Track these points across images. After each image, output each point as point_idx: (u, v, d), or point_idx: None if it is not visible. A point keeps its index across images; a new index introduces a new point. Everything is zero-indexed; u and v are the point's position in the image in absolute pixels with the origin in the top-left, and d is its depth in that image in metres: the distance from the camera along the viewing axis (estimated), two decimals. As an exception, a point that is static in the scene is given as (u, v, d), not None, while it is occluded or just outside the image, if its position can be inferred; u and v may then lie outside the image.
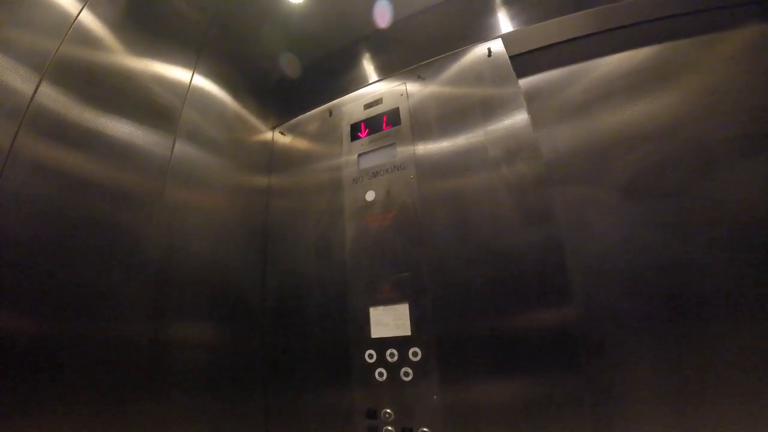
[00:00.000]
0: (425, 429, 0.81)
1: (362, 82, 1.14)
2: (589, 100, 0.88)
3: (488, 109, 0.90)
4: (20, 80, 0.63)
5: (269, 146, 1.20)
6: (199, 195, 0.96)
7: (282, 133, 1.20)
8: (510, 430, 0.76)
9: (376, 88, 1.08)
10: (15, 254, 0.58)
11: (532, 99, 0.92)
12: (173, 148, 0.90)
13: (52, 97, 0.66)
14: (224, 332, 0.95)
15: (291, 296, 1.00)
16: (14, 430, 0.56)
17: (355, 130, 1.05)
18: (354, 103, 1.09)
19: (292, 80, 1.29)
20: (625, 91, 0.86)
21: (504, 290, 0.79)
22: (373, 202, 0.94)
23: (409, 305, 0.84)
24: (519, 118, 0.86)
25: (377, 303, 0.87)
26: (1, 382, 0.55)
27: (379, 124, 1.02)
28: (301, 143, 1.15)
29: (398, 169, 0.94)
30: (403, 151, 0.96)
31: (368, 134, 1.02)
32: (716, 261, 0.74)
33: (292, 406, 0.95)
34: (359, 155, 1.01)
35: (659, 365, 0.73)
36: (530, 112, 0.88)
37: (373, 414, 0.85)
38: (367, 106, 1.06)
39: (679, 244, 0.76)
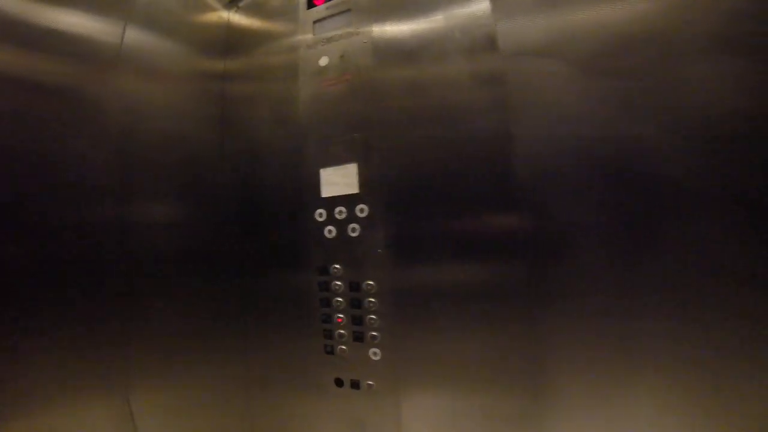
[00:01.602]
0: (370, 282, 0.85)
1: (322, -51, 1.07)
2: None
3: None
4: None
5: (225, 25, 1.14)
6: (154, 80, 0.93)
7: (237, 10, 1.13)
8: (448, 276, 0.80)
9: (335, -46, 1.02)
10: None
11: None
12: (124, 34, 0.87)
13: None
14: (189, 211, 0.96)
15: (250, 169, 1.00)
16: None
17: (310, -4, 1.00)
18: (312, -31, 1.03)
19: (250, -47, 1.20)
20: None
21: (451, 149, 0.80)
22: (326, 67, 0.92)
23: (358, 164, 0.85)
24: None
25: (328, 164, 0.88)
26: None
27: (336, -10, 0.97)
28: (258, 20, 1.10)
29: (352, 35, 0.91)
30: (358, 16, 0.93)
31: (325, 1, 0.98)
32: (672, 146, 0.74)
33: (261, 278, 0.98)
34: (314, 22, 0.97)
35: (605, 251, 0.76)
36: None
37: (324, 270, 0.89)
38: (326, -28, 1.01)
39: (633, 123, 0.76)
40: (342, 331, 0.88)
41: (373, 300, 0.85)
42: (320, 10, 0.98)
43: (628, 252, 0.74)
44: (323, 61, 0.93)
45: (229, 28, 1.12)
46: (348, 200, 0.86)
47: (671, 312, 0.73)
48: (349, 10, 0.94)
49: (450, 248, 0.80)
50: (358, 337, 0.87)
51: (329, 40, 0.94)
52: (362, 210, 0.84)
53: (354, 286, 0.86)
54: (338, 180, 0.86)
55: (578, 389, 0.80)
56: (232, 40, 1.11)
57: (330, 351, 0.90)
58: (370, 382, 0.88)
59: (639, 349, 0.77)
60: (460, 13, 0.84)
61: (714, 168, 0.71)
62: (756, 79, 0.73)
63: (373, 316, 0.85)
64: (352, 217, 0.85)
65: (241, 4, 1.13)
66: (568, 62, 0.79)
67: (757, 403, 0.75)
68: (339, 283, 0.87)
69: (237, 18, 1.12)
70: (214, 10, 1.14)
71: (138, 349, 0.86)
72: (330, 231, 0.87)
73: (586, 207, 0.75)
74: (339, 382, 0.90)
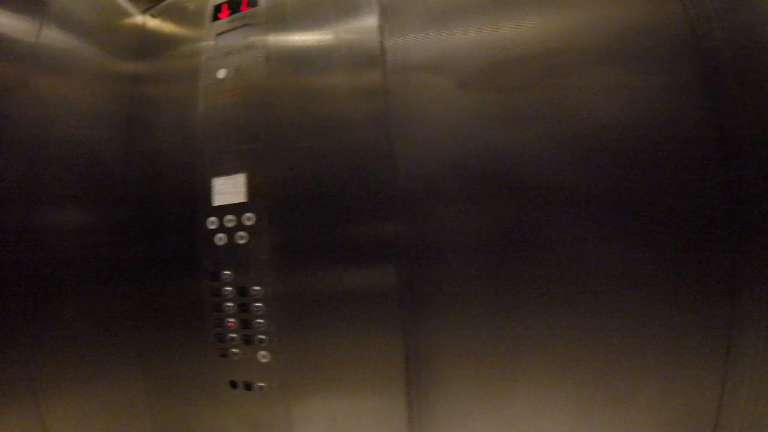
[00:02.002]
0: (257, 287, 0.89)
1: (230, -37, 1.10)
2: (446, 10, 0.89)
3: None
4: None
5: (139, 30, 1.16)
6: (67, 81, 0.94)
7: (153, 16, 1.16)
8: (330, 281, 0.84)
9: (241, -31, 1.05)
10: None
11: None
12: (39, 33, 0.88)
13: None
14: (95, 216, 0.97)
15: (152, 174, 1.02)
16: None
17: (216, 11, 1.03)
18: (219, -17, 1.06)
19: (167, -38, 1.23)
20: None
21: (333, 160, 0.84)
22: (223, 79, 0.95)
23: (246, 174, 0.89)
24: None
25: (220, 173, 0.91)
26: None
27: (239, 6, 1.00)
28: (170, 27, 1.12)
29: (250, 49, 0.95)
30: (257, 30, 0.96)
31: (229, 15, 1.01)
32: (550, 155, 0.78)
33: (161, 284, 1.00)
34: (217, 35, 1.00)
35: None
36: None
37: (215, 276, 0.92)
38: (232, -14, 1.04)
39: (514, 135, 0.80)
40: (233, 335, 0.91)
41: (259, 304, 0.88)
42: (223, 23, 1.01)
43: (508, 258, 0.79)
44: (221, 73, 0.96)
45: (144, 33, 1.14)
46: (237, 209, 0.89)
47: (553, 314, 0.78)
48: (248, 25, 0.97)
49: (332, 255, 0.84)
50: (248, 341, 0.90)
51: (229, 52, 0.97)
52: (249, 218, 0.88)
53: (242, 292, 0.89)
54: (228, 189, 0.89)
55: (459, 391, 0.85)
56: (145, 44, 1.13)
57: (223, 354, 0.93)
58: (261, 384, 0.91)
59: (521, 350, 0.81)
60: (349, 28, 0.89)
61: (591, 175, 0.76)
62: (629, 91, 0.78)
63: (261, 320, 0.89)
64: (240, 225, 0.88)
65: (154, 11, 1.15)
66: (453, 78, 0.84)
67: (640, 398, 0.80)
68: (229, 288, 0.90)
69: (152, 23, 1.14)
70: (130, 14, 1.16)
71: (47, 355, 0.87)
72: (220, 238, 0.90)
73: (466, 215, 0.79)
74: (233, 385, 0.93)
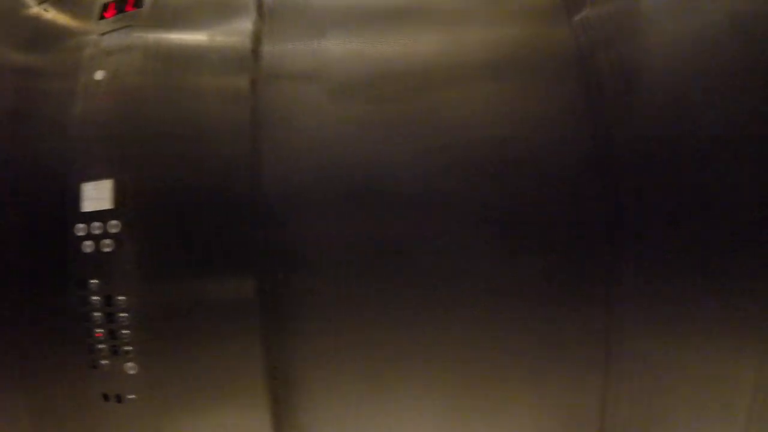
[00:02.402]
0: (122, 297, 0.86)
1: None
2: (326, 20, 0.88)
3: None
4: None
5: (34, 22, 1.12)
6: None
7: (46, 10, 1.12)
8: (193, 291, 0.82)
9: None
10: None
11: None
12: None
13: None
14: None
15: (32, 176, 0.98)
16: None
17: (103, 9, 1.00)
18: (109, -19, 1.03)
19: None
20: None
21: (200, 166, 0.82)
22: (101, 81, 0.92)
23: (114, 181, 0.86)
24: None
25: (89, 179, 0.88)
26: None
27: (125, 6, 0.97)
28: (62, 20, 1.08)
29: (129, 50, 0.92)
30: (138, 32, 0.93)
31: (114, 15, 0.98)
32: (418, 169, 0.77)
33: (40, 293, 0.96)
34: (101, 34, 0.97)
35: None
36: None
37: (82, 285, 0.89)
38: (121, -15, 1.01)
39: (387, 147, 0.79)
40: (101, 346, 0.88)
41: (125, 314, 0.85)
42: (108, 23, 0.98)
43: (375, 269, 0.77)
44: (99, 75, 0.93)
45: (37, 24, 1.10)
46: (103, 215, 0.86)
47: (424, 324, 0.77)
48: (130, 26, 0.94)
49: (195, 265, 0.81)
50: (115, 352, 0.87)
51: (110, 53, 0.94)
52: (115, 226, 0.85)
53: (108, 301, 0.86)
54: (97, 195, 0.86)
55: (329, 405, 0.83)
56: (37, 37, 1.09)
57: (94, 366, 0.89)
58: (131, 396, 0.88)
59: (392, 362, 0.80)
60: (224, 31, 0.87)
61: (463, 187, 0.75)
62: (510, 105, 0.78)
63: (127, 331, 0.86)
64: (106, 233, 0.85)
65: (48, 3, 1.11)
66: (327, 89, 0.82)
67: (520, 407, 0.80)
68: (96, 297, 0.87)
69: (47, 15, 1.10)
70: (27, 5, 1.12)
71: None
72: (88, 246, 0.87)
73: (332, 226, 0.78)
74: (105, 397, 0.90)
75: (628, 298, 0.68)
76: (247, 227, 0.77)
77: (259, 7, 0.86)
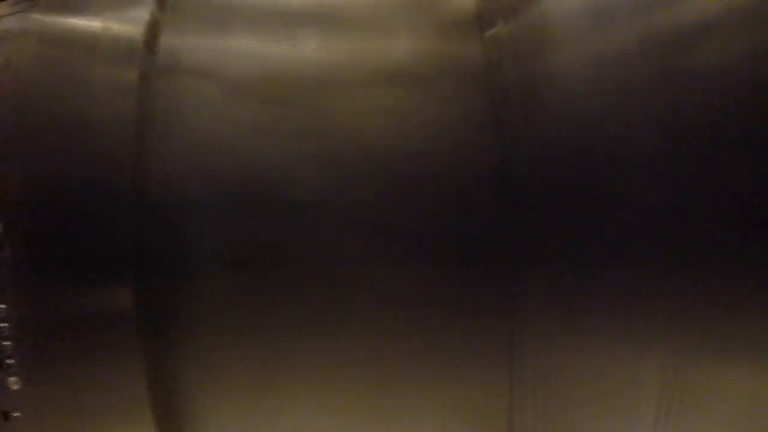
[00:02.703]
0: (1, 305, 0.79)
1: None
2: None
3: None
4: None
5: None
6: None
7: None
8: (70, 296, 0.76)
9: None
10: None
11: None
12: None
13: None
14: None
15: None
16: None
17: (1, -9, 0.93)
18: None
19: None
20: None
21: (80, 163, 0.76)
22: (-5, 69, 0.85)
23: None
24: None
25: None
26: None
27: (23, -13, 0.90)
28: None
29: (23, 36, 0.85)
30: (35, 16, 0.86)
31: (14, -3, 0.91)
32: (308, 175, 0.73)
33: None
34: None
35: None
36: None
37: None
38: (22, -34, 0.94)
39: (277, 150, 0.74)
40: (-17, 358, 0.81)
41: (4, 324, 0.78)
42: (7, 5, 0.91)
43: (261, 277, 0.72)
44: (-8, 63, 0.85)
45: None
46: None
47: (317, 333, 0.73)
48: (27, 10, 0.87)
49: (73, 272, 0.75)
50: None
51: (5, 39, 0.87)
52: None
53: (-13, 310, 0.79)
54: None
55: (221, 421, 0.77)
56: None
57: (-21, 378, 0.83)
58: (16, 414, 0.81)
59: (286, 373, 0.75)
60: (119, 18, 0.80)
61: (355, 195, 0.71)
62: (409, 115, 0.74)
63: (7, 342, 0.79)
64: (-6, 244, 0.78)
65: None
66: (224, 87, 0.76)
67: (425, 413, 0.76)
68: (-17, 316, 0.80)
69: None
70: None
71: None
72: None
73: (217, 231, 0.72)
74: (-8, 412, 0.83)
75: (527, 308, 0.68)
76: (127, 233, 0.70)
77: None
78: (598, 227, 0.62)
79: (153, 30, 0.78)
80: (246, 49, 0.76)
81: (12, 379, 0.80)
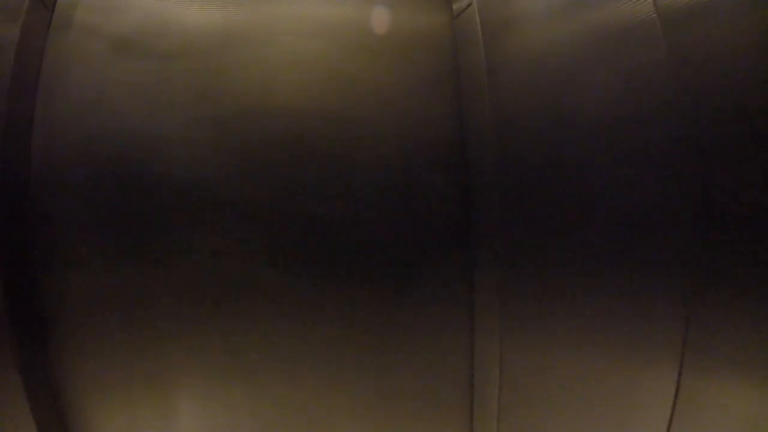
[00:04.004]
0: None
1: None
2: None
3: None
4: None
5: None
6: None
7: None
8: None
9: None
10: None
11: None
12: None
13: None
14: None
15: None
16: None
17: None
18: None
19: None
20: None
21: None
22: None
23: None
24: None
25: None
26: None
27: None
28: None
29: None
30: None
31: None
32: (191, 144, 0.68)
33: None
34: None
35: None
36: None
37: None
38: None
39: (154, 115, 0.69)
40: None
41: None
42: None
43: (138, 268, 0.68)
44: None
45: None
46: None
47: (202, 327, 0.69)
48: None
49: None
50: None
51: None
52: None
53: None
54: None
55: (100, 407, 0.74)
56: None
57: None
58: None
59: (170, 360, 0.72)
60: None
61: (245, 170, 0.66)
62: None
63: None
64: None
65: None
66: (113, 41, 0.71)
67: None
68: None
69: None
70: None
71: None
72: None
73: (88, 215, 0.68)
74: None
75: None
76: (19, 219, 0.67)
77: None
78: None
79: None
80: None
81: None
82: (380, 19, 0.75)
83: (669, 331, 0.47)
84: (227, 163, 0.65)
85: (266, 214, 0.65)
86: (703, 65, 0.45)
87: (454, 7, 0.75)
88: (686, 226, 0.45)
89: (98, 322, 0.67)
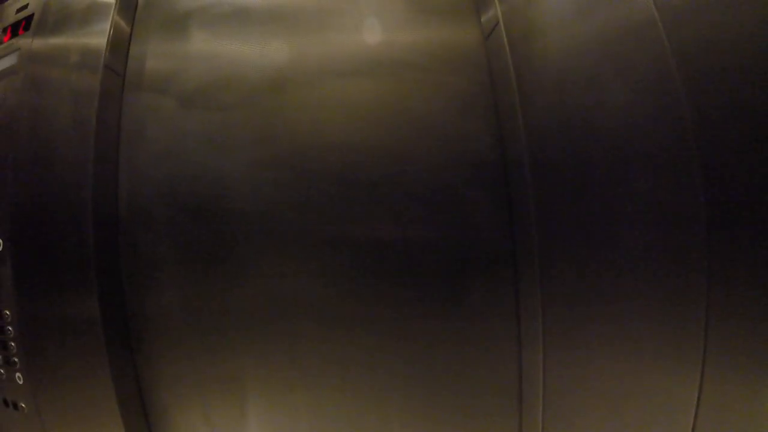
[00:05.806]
0: (7, 311, 0.89)
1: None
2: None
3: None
4: None
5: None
6: None
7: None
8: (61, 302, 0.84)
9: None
10: None
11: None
12: None
13: None
14: None
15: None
16: None
17: (3, 33, 1.05)
18: (10, 7, 1.08)
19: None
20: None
21: (52, 189, 0.84)
22: (-6, 105, 0.96)
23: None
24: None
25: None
26: None
27: (18, 29, 1.01)
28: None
29: (14, 73, 0.96)
30: (23, 55, 0.97)
31: (9, 39, 1.02)
32: (255, 182, 0.76)
33: None
34: (-2, 58, 1.01)
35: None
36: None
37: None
38: (19, 10, 1.05)
39: (220, 159, 0.78)
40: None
41: (11, 327, 0.89)
42: (5, 47, 1.02)
43: (213, 288, 0.76)
44: (-8, 99, 0.96)
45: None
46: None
47: (269, 343, 0.76)
48: (18, 49, 0.98)
49: (52, 280, 0.83)
50: (7, 362, 0.91)
51: (1, 77, 0.98)
52: (-2, 242, 0.88)
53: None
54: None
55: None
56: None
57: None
58: (23, 405, 0.92)
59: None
60: (84, 33, 0.87)
61: (303, 203, 0.74)
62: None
63: (13, 343, 0.89)
64: (-14, 249, 0.89)
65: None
66: (174, 96, 0.82)
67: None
68: (-10, 311, 0.91)
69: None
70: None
71: None
72: (-20, 261, 0.91)
73: (169, 244, 0.77)
74: (6, 403, 0.95)
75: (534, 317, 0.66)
76: (90, 240, 0.77)
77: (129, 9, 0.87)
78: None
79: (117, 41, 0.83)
80: (196, 53, 0.80)
81: (18, 374, 0.91)
82: (417, 51, 0.78)
83: (690, 334, 0.48)
84: (286, 197, 0.73)
85: (322, 240, 0.72)
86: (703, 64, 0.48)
87: (483, 25, 0.78)
88: (703, 229, 0.46)
89: (178, 333, 0.77)
